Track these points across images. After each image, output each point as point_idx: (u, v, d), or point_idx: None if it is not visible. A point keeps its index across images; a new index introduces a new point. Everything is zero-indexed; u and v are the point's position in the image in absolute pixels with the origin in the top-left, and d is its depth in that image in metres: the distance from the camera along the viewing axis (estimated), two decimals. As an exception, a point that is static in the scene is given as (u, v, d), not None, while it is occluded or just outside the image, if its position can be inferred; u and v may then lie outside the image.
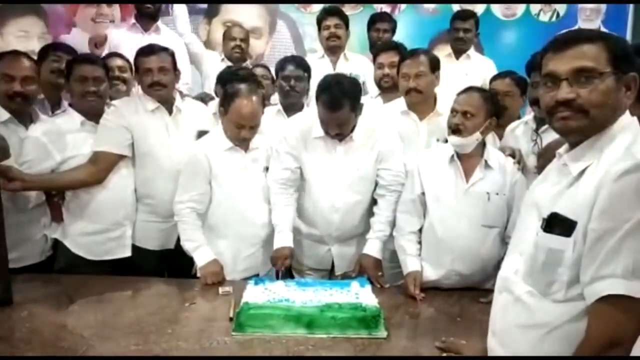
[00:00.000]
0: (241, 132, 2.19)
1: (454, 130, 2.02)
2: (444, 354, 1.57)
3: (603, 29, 4.26)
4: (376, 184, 2.31)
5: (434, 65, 2.37)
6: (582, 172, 1.14)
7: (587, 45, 1.13)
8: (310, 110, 2.55)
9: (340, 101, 2.09)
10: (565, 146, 1.23)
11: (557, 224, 1.13)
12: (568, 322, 1.11)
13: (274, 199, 2.29)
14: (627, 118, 1.16)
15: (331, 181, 2.26)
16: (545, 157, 1.87)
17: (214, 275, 2.16)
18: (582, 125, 1.14)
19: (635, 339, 1.00)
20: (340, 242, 2.36)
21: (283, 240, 2.24)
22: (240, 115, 2.16)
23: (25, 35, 4.19)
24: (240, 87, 2.24)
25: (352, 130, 2.22)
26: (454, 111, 2.04)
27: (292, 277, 2.43)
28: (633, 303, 1.01)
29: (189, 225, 2.23)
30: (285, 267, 2.22)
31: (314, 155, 2.27)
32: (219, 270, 2.18)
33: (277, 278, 2.20)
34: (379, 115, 2.41)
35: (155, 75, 2.31)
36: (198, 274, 2.24)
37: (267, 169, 2.33)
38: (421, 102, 2.39)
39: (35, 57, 2.60)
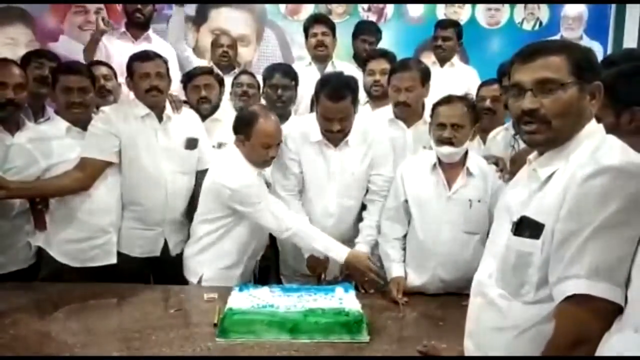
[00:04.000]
0: (269, 152, 2.19)
1: (446, 142, 2.04)
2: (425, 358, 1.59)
3: (585, 38, 4.35)
4: (367, 190, 2.34)
5: (425, 77, 2.39)
6: (550, 176, 1.17)
7: (550, 56, 1.16)
8: (304, 117, 2.56)
9: (342, 92, 2.14)
10: (535, 152, 1.26)
11: (526, 227, 1.17)
12: (538, 323, 1.14)
13: (297, 217, 2.26)
14: (593, 125, 1.19)
15: (326, 186, 2.29)
16: (517, 163, 1.92)
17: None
18: (547, 138, 1.18)
19: (600, 338, 1.03)
20: None
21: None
22: (266, 134, 2.16)
23: (12, 42, 4.17)
24: (256, 109, 2.25)
25: (347, 135, 2.25)
26: (441, 124, 2.05)
27: (280, 282, 2.44)
28: (597, 302, 1.03)
29: (307, 230, 2.21)
30: (324, 272, 2.25)
31: (310, 160, 2.29)
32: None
33: (319, 282, 2.28)
34: (368, 122, 2.43)
35: (154, 80, 2.32)
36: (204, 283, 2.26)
37: (268, 185, 2.34)
38: (409, 112, 2.43)
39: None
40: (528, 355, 1.16)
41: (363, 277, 2.22)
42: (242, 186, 2.16)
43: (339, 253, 2.16)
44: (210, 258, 2.27)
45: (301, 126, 2.35)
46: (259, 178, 2.25)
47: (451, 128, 2.03)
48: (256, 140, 2.16)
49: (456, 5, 4.38)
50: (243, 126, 2.20)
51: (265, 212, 2.17)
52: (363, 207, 2.37)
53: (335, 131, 2.20)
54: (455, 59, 3.56)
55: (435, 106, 2.13)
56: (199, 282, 2.28)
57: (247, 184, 2.17)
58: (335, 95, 2.12)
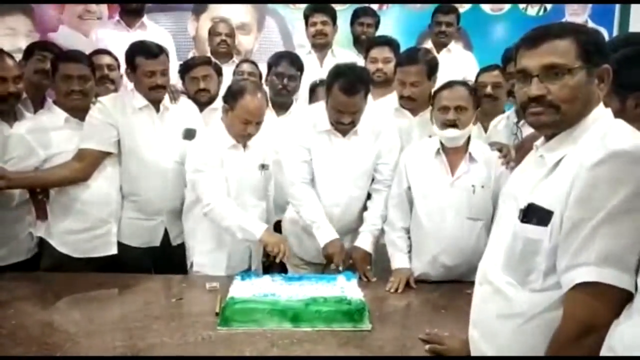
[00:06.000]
0: (247, 128, 2.19)
1: (450, 125, 2.03)
2: (427, 346, 1.58)
3: (590, 23, 4.29)
4: (372, 179, 2.33)
5: (432, 70, 2.36)
6: (558, 162, 1.15)
7: (556, 40, 1.14)
8: (312, 106, 2.54)
9: (356, 85, 2.11)
10: (541, 138, 1.24)
11: (533, 214, 1.14)
12: (546, 310, 1.13)
13: (300, 195, 2.27)
14: (600, 109, 1.17)
15: (335, 176, 2.28)
16: (523, 149, 1.90)
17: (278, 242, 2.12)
18: (554, 120, 1.16)
19: (609, 325, 1.02)
20: None
21: (328, 234, 2.22)
22: (248, 111, 2.16)
23: (12, 33, 4.15)
24: (246, 84, 2.27)
25: (355, 125, 2.24)
26: (444, 107, 2.04)
27: (286, 271, 2.43)
28: (606, 290, 1.02)
29: (229, 208, 2.17)
30: (344, 262, 2.19)
31: (318, 149, 2.28)
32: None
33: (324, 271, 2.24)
34: (376, 111, 2.40)
35: (159, 79, 2.30)
36: (195, 268, 2.29)
37: (262, 166, 2.34)
38: (414, 104, 2.40)
39: (22, 55, 2.61)
40: (533, 356, 1.14)
41: (364, 266, 2.21)
42: (201, 148, 2.22)
43: (252, 232, 2.13)
44: (196, 243, 2.30)
45: (309, 115, 2.34)
46: (233, 150, 2.24)
47: (455, 110, 2.02)
48: (238, 113, 2.18)
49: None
50: (230, 97, 2.22)
51: (203, 182, 2.18)
52: (368, 196, 2.36)
53: (346, 124, 2.20)
54: (452, 45, 3.54)
55: (437, 92, 2.12)
56: (191, 267, 2.31)
57: (205, 147, 2.21)
58: (350, 89, 2.10)
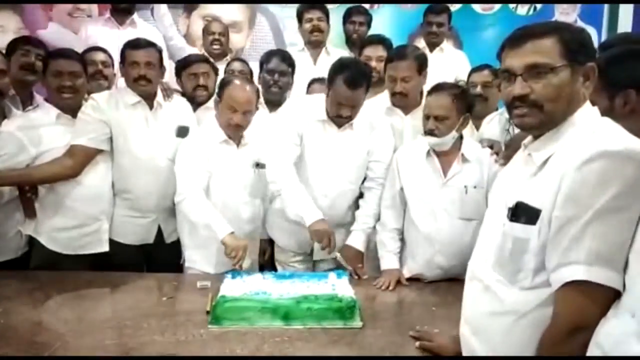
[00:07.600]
0: (234, 117, 2.20)
1: (429, 133, 2.05)
2: (417, 343, 1.59)
3: (580, 23, 4.32)
4: (365, 177, 2.33)
5: (422, 66, 2.37)
6: (545, 161, 1.16)
7: (540, 40, 1.15)
8: (310, 95, 2.57)
9: (360, 80, 2.13)
10: (529, 137, 1.25)
11: (522, 213, 1.15)
12: (536, 308, 1.14)
13: (283, 176, 2.22)
14: (587, 108, 1.18)
15: (325, 166, 2.28)
16: (511, 148, 1.91)
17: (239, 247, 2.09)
18: (539, 121, 1.17)
19: (598, 324, 1.03)
20: None
21: (314, 213, 2.14)
22: (232, 97, 2.20)
23: (1, 30, 4.12)
24: (236, 77, 2.34)
25: (352, 119, 2.25)
26: (426, 115, 2.05)
27: (275, 269, 2.45)
28: (595, 289, 1.03)
29: (200, 203, 2.17)
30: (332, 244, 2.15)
31: (312, 138, 2.28)
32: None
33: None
34: (371, 108, 2.40)
35: (142, 70, 2.29)
36: (187, 264, 2.31)
37: (257, 165, 2.34)
38: (406, 101, 2.41)
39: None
40: (525, 355, 1.15)
41: (356, 264, 2.22)
42: (190, 141, 2.27)
43: (216, 232, 2.11)
44: (187, 238, 2.32)
45: (306, 104, 2.35)
46: (224, 145, 2.26)
47: (434, 119, 2.03)
48: (224, 101, 2.22)
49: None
50: (220, 88, 2.27)
51: (183, 173, 2.21)
52: (361, 195, 2.36)
53: (344, 117, 2.21)
54: (445, 44, 3.55)
55: (427, 95, 2.13)
56: (183, 262, 2.32)
57: (194, 141, 2.26)
58: (353, 82, 2.12)
